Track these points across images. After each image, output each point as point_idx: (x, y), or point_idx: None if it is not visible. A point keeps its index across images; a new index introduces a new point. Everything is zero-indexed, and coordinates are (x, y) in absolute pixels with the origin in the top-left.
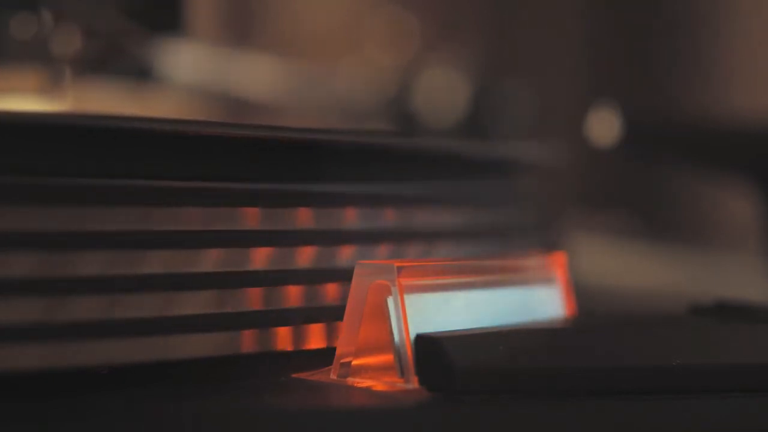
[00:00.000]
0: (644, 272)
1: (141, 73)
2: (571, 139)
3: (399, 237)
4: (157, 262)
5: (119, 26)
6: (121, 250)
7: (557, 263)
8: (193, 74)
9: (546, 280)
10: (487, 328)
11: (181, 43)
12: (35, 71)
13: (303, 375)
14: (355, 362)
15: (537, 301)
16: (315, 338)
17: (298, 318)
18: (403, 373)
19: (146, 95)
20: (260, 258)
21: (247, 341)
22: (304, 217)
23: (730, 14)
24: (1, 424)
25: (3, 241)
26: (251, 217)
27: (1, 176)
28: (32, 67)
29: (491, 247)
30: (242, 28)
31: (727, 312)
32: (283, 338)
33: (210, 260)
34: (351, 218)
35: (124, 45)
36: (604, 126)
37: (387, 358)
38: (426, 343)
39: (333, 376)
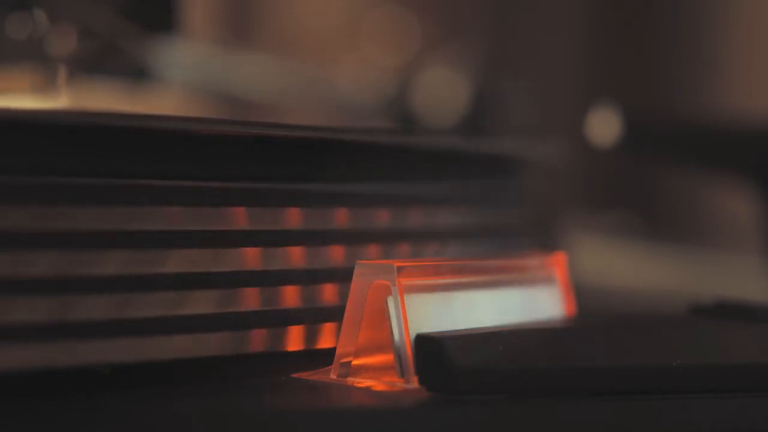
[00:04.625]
0: (644, 272)
1: (137, 73)
2: (571, 139)
3: (396, 237)
4: (157, 263)
5: (115, 26)
6: (120, 249)
7: (557, 263)
8: (189, 74)
9: (546, 280)
10: (487, 328)
11: (178, 43)
12: (31, 71)
13: (303, 375)
14: (355, 362)
15: (537, 301)
16: (315, 338)
17: (299, 318)
18: (403, 373)
19: (142, 95)
20: (260, 258)
21: (248, 341)
22: (299, 217)
23: (730, 14)
24: (1, 424)
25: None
26: (251, 217)
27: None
28: (28, 67)
29: (491, 247)
30: (241, 27)
31: (727, 312)
32: (283, 338)
33: (210, 260)
34: (343, 218)
35: (120, 44)
36: (604, 126)
37: (387, 358)
38: (426, 343)
39: (333, 376)
